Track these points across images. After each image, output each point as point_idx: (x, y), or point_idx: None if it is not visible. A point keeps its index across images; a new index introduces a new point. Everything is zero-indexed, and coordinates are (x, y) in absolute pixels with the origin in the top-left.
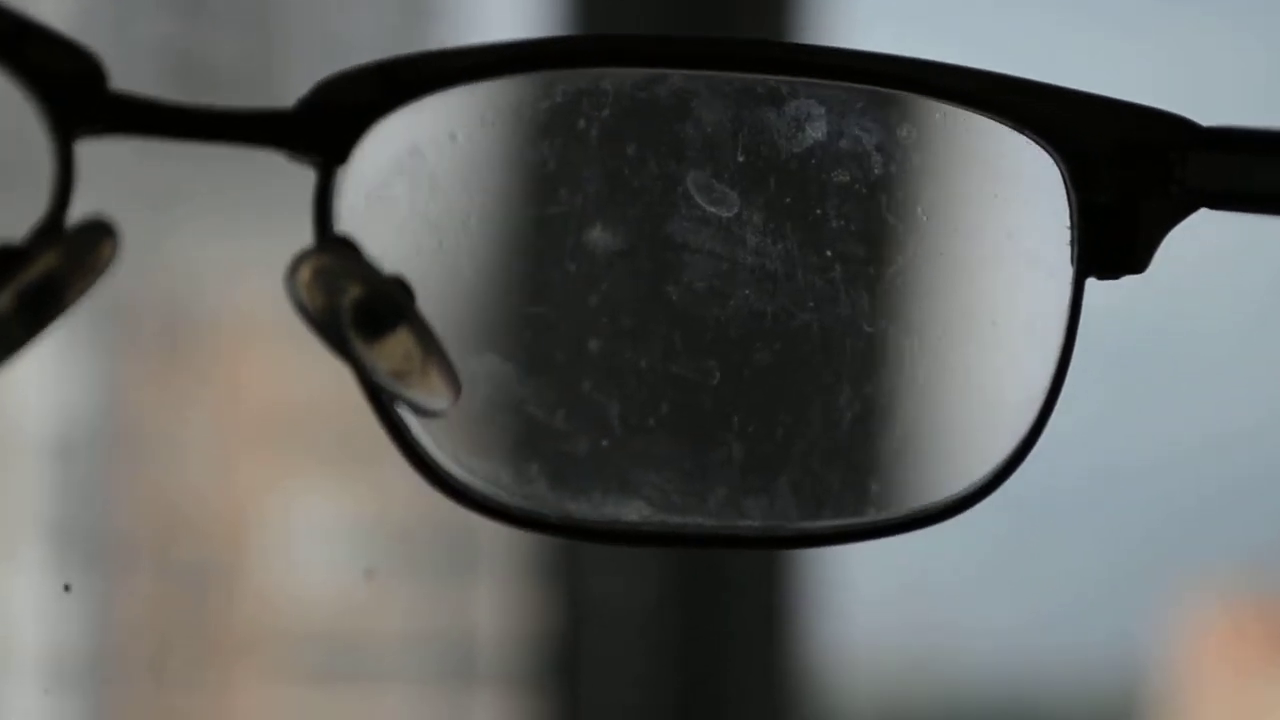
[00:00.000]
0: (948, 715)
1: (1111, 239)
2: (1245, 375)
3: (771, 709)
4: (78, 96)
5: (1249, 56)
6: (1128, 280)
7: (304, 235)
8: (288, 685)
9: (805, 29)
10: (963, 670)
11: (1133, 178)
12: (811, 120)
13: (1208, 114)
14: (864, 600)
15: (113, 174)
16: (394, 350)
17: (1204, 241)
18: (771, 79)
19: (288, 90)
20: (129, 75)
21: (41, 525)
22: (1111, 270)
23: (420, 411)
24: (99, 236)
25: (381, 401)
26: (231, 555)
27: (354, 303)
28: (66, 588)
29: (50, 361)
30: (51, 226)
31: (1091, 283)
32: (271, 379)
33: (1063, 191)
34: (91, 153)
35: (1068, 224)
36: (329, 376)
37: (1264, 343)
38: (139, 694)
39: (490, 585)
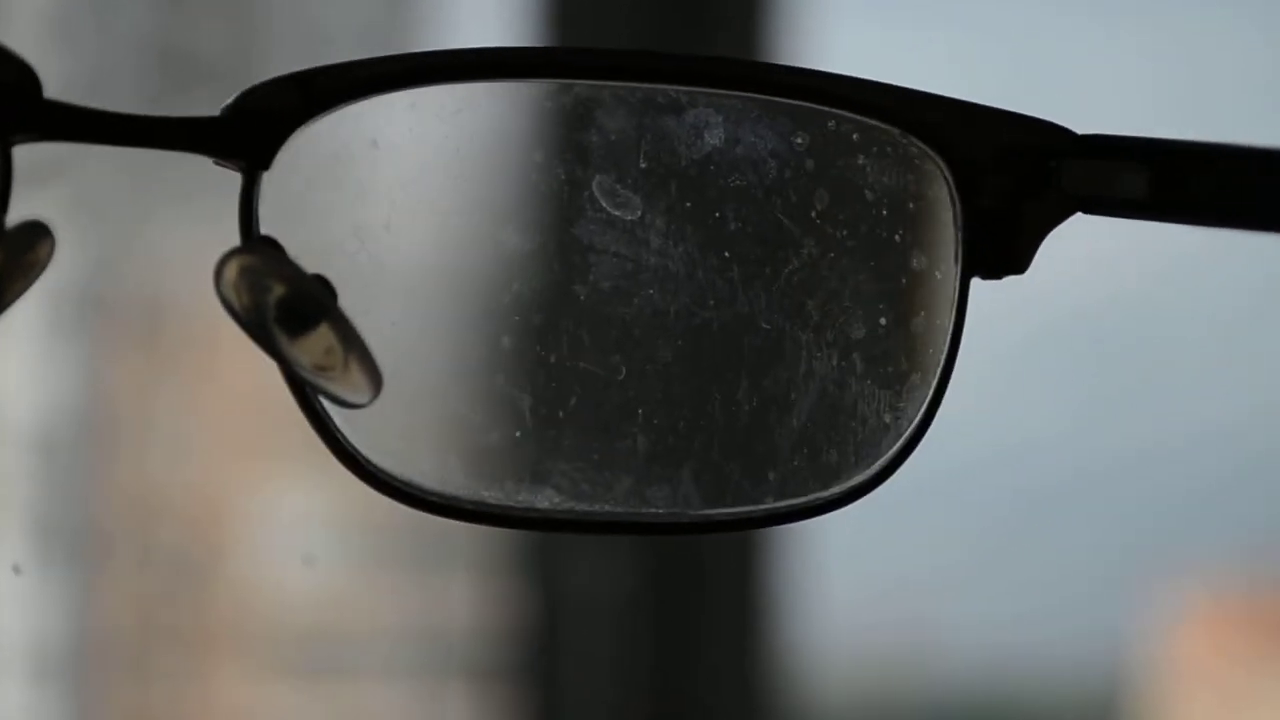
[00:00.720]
0: (929, 710)
1: (994, 241)
2: (1229, 371)
3: (747, 703)
4: (13, 105)
5: (1248, 49)
6: (1115, 277)
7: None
8: (266, 678)
9: (779, 23)
10: (945, 665)
11: (1013, 183)
12: (710, 128)
13: (1207, 106)
14: (845, 594)
15: (91, 166)
16: (317, 346)
17: (1186, 241)
18: (671, 89)
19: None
20: (111, 68)
21: (21, 518)
22: (994, 270)
23: (343, 404)
24: (36, 237)
25: (305, 395)
26: (211, 549)
27: (278, 300)
28: (16, 569)
29: (30, 355)
30: None
31: (1081, 283)
32: (251, 372)
33: (948, 195)
34: (70, 146)
35: (953, 226)
36: None
37: (1249, 339)
38: (119, 686)
39: (467, 579)
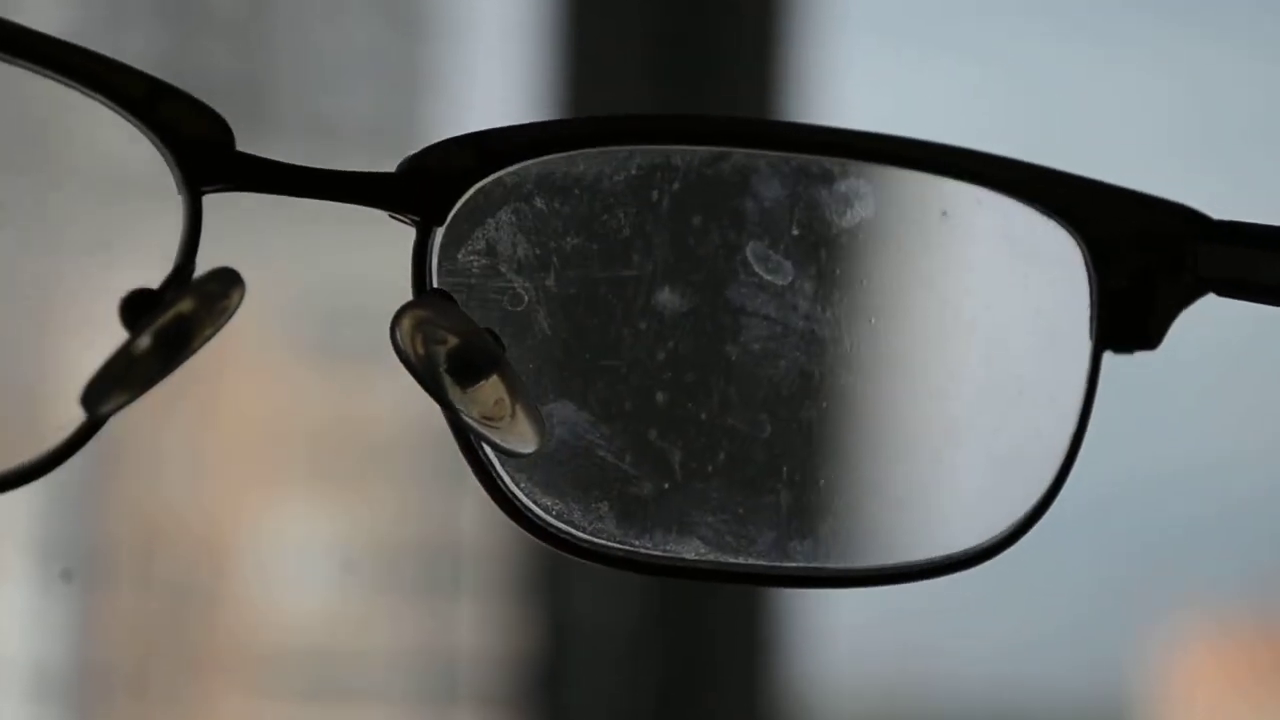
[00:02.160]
0: None
1: (1127, 319)
2: (1237, 400)
3: None
4: (208, 156)
5: (1260, 77)
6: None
7: (290, 254)
8: (269, 701)
9: (798, 46)
10: (949, 693)
11: (1149, 265)
12: (859, 198)
13: (1219, 134)
14: (849, 621)
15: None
16: (486, 397)
17: None
18: (825, 160)
19: (279, 106)
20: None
21: (25, 539)
22: (1126, 346)
23: (507, 454)
24: (228, 285)
25: (469, 442)
26: (215, 571)
27: (450, 352)
28: (65, 576)
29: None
30: (183, 274)
31: None
32: (257, 397)
33: (1084, 274)
34: None
35: (1088, 303)
36: (313, 395)
37: (1255, 369)
38: (121, 708)
39: (472, 604)
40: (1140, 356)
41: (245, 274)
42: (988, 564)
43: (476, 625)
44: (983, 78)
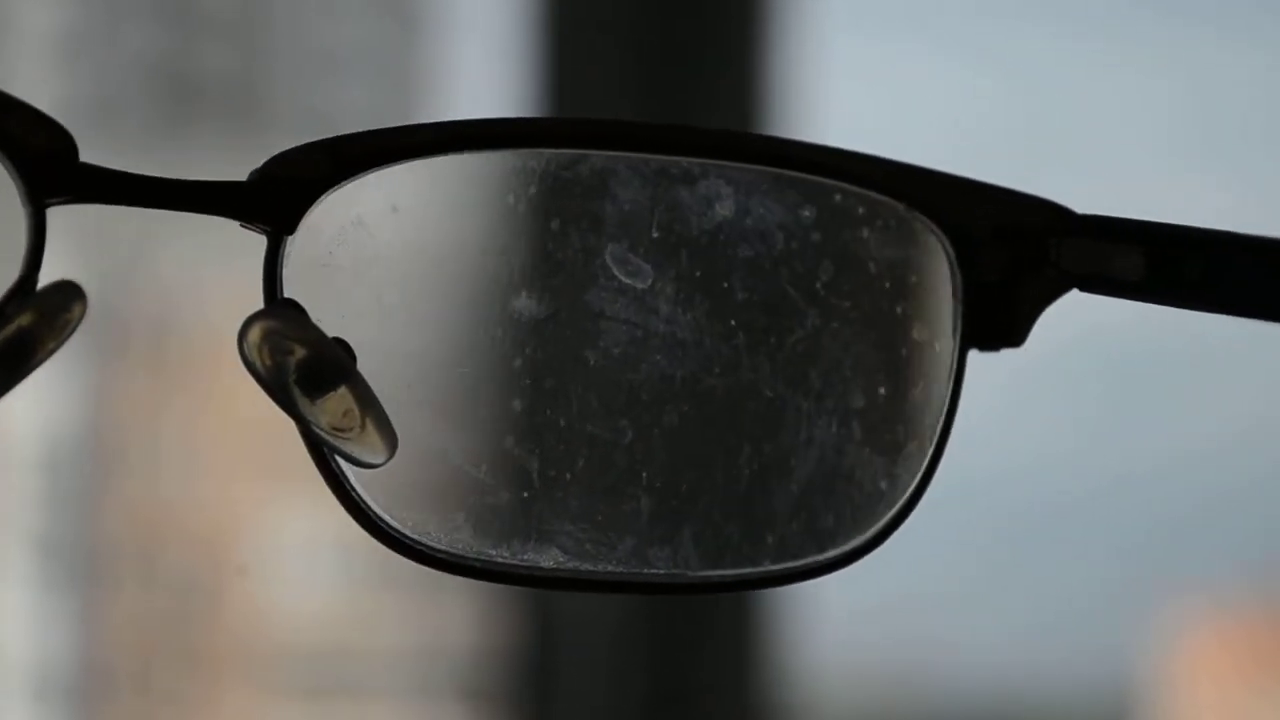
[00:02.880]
0: None
1: (992, 315)
2: (1233, 389)
3: None
4: (51, 168)
5: (1260, 75)
6: (1124, 302)
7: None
8: (269, 698)
9: (785, 44)
10: (950, 684)
11: (1013, 260)
12: (720, 199)
13: (1218, 132)
14: (848, 613)
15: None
16: (335, 408)
17: None
18: (685, 160)
19: (275, 103)
20: (119, 88)
21: (27, 539)
22: (991, 343)
23: (358, 464)
24: (70, 298)
25: (322, 454)
26: (216, 570)
27: (299, 363)
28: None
29: (35, 376)
30: (24, 287)
31: (1084, 303)
32: (256, 395)
33: (949, 270)
34: None
35: (953, 300)
36: None
37: (1254, 356)
38: (123, 706)
39: (466, 601)
40: (1142, 348)
41: (255, 263)
42: (984, 554)
43: (467, 622)
44: (977, 75)
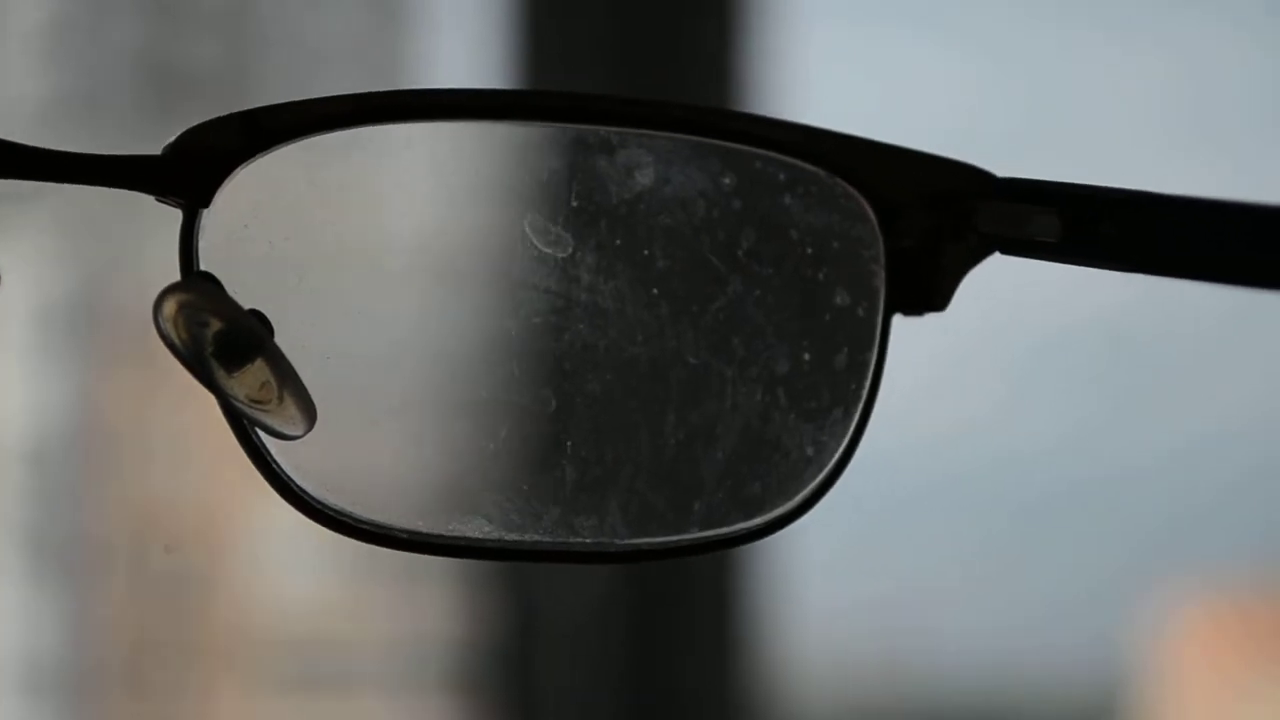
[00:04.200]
0: None
1: (915, 280)
2: (1227, 380)
3: (726, 713)
4: None
5: (1250, 60)
6: (1112, 288)
7: None
8: (256, 691)
9: (765, 31)
10: (940, 675)
11: (935, 223)
12: (640, 167)
13: (1209, 118)
14: (837, 605)
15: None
16: (253, 380)
17: None
18: (603, 129)
19: (263, 95)
20: (104, 81)
21: (16, 534)
22: (915, 308)
23: (278, 436)
24: None
25: (242, 427)
26: (206, 562)
27: (215, 335)
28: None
29: (22, 369)
30: None
31: (1077, 294)
32: None
33: (873, 235)
34: None
35: (876, 265)
36: None
37: (1246, 347)
38: (113, 701)
39: (449, 593)
40: (1138, 337)
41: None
42: (978, 544)
43: (450, 614)
44: (963, 59)
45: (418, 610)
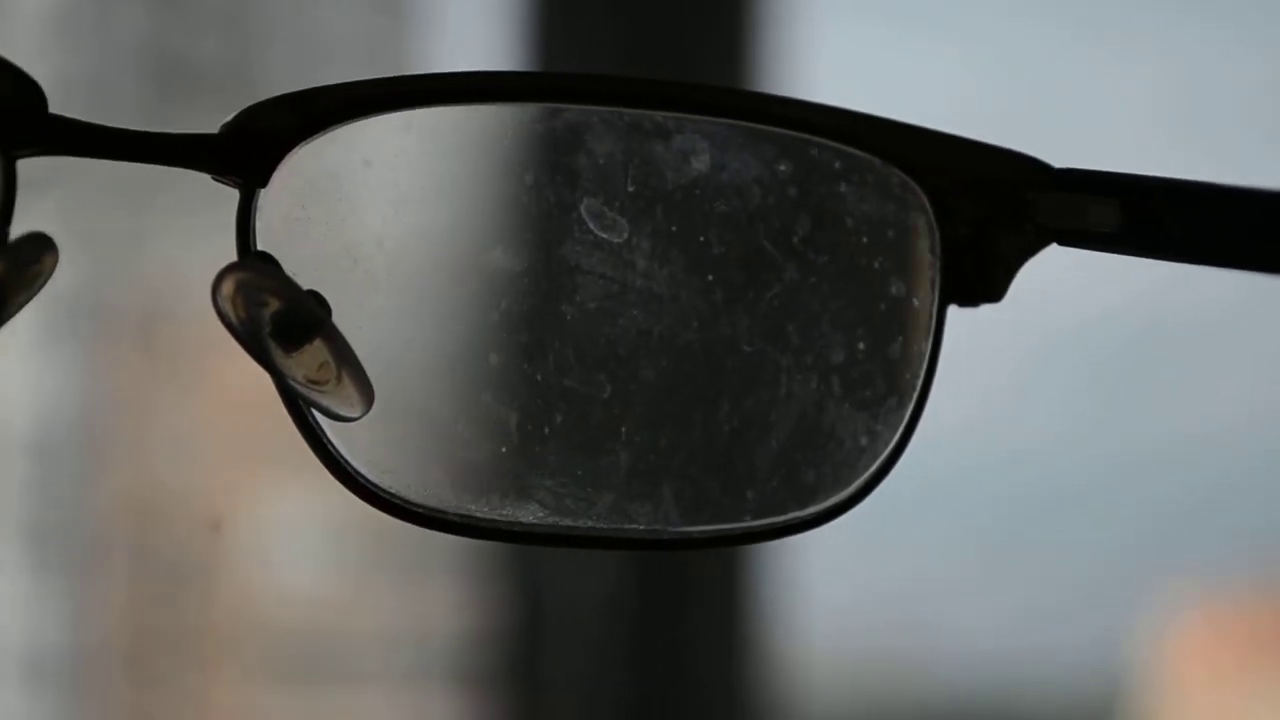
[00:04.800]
0: (925, 715)
1: (970, 270)
2: (1231, 376)
3: (734, 708)
4: (18, 119)
5: (1244, 62)
6: (1114, 285)
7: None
8: (262, 683)
9: (773, 26)
10: (940, 671)
11: (991, 214)
12: (696, 153)
13: (1203, 120)
14: (842, 599)
15: (89, 174)
16: (310, 360)
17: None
18: (660, 114)
19: (267, 87)
20: (111, 72)
21: (18, 524)
22: (970, 299)
23: (335, 417)
24: (40, 249)
25: (298, 407)
26: (206, 554)
27: (273, 315)
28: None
29: (26, 361)
30: None
31: (1080, 291)
32: (246, 379)
33: (928, 225)
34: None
35: (931, 255)
36: None
37: (1245, 348)
38: (114, 690)
39: (456, 584)
40: (1141, 334)
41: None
42: (980, 541)
43: (455, 605)
44: (961, 56)
45: (422, 603)
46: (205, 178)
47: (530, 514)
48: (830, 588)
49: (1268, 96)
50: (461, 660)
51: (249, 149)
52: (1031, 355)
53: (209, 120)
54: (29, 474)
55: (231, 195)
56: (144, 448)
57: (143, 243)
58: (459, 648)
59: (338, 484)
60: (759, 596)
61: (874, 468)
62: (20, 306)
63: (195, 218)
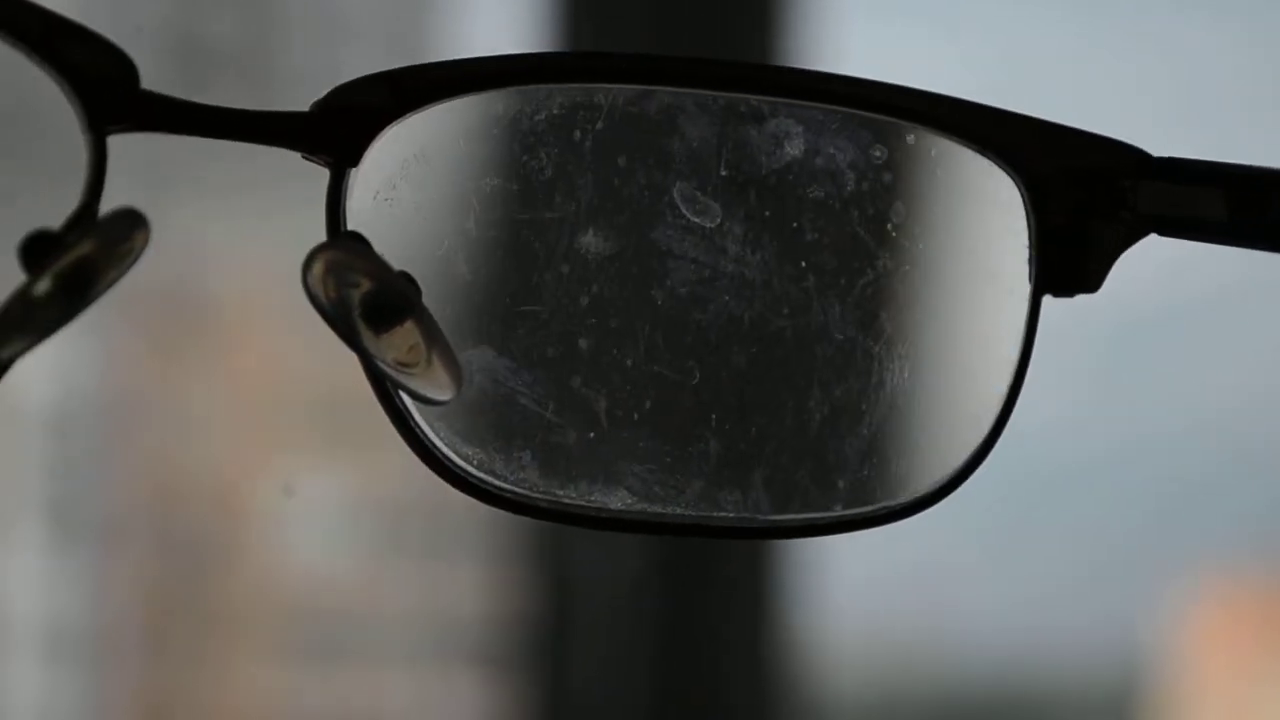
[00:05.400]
0: (942, 697)
1: (1066, 260)
2: (1244, 358)
3: (758, 690)
4: (111, 95)
5: (1238, 52)
6: (1131, 267)
7: (305, 216)
8: (278, 661)
9: (794, 28)
10: (957, 656)
11: (1087, 203)
12: (790, 138)
13: (1196, 108)
14: (859, 585)
15: (116, 153)
16: (401, 342)
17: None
18: (753, 98)
19: (285, 70)
20: (131, 54)
21: (39, 502)
22: (1066, 289)
23: (424, 401)
24: (132, 226)
25: (386, 390)
26: (227, 532)
27: (364, 296)
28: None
29: (47, 340)
30: (85, 215)
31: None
32: (270, 357)
33: (1022, 213)
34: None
35: (1026, 244)
36: (326, 357)
37: (1259, 329)
38: (133, 669)
39: (479, 565)
40: (1155, 313)
41: (263, 227)
42: (995, 523)
43: (479, 586)
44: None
45: (444, 584)
46: (229, 160)
47: (618, 500)
48: (849, 568)
49: (1259, 84)
50: (485, 642)
51: (341, 127)
52: (1052, 335)
53: (226, 98)
54: (50, 451)
55: (254, 178)
56: (165, 425)
57: (166, 220)
58: (482, 629)
59: (359, 463)
60: (784, 581)
61: (965, 458)
62: (111, 284)
63: (218, 198)
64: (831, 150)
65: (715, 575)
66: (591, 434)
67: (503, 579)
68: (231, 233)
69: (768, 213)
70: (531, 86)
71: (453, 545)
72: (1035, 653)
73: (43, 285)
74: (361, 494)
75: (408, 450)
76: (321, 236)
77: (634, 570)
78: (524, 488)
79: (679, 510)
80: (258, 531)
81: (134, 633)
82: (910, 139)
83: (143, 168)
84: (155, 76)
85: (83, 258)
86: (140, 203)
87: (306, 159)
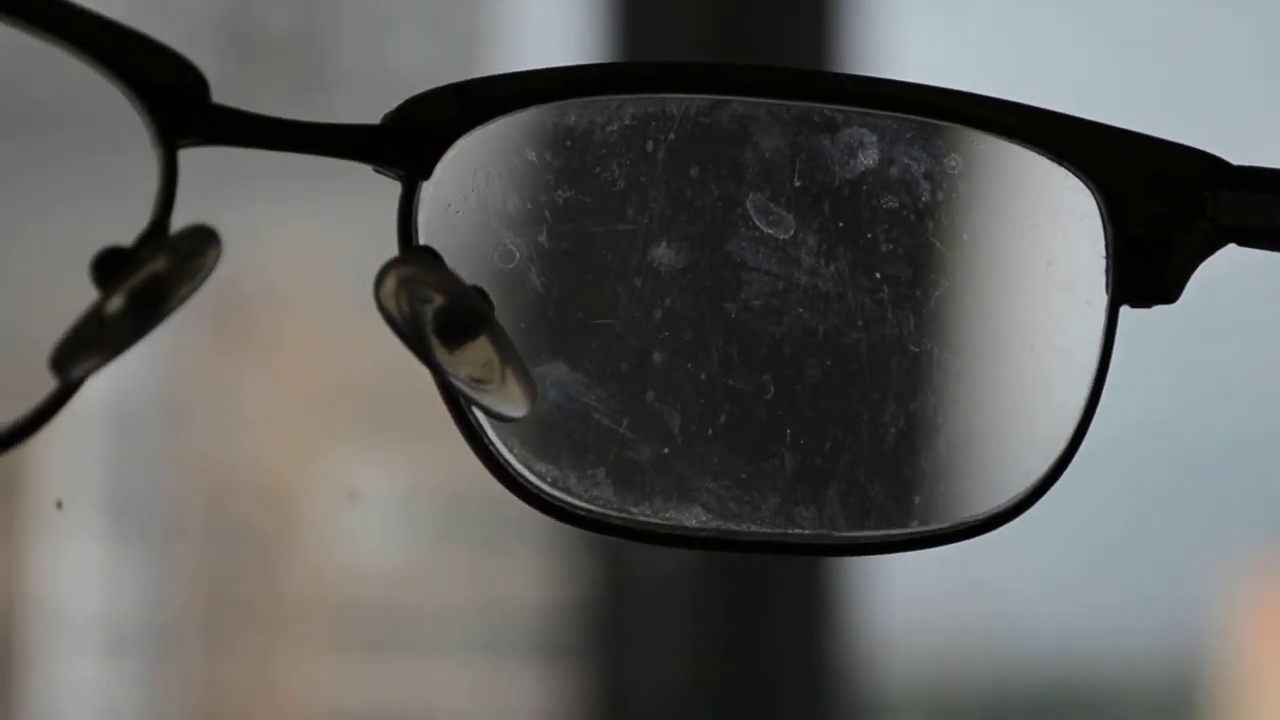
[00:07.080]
0: (997, 688)
1: (1144, 270)
2: None
3: (815, 677)
4: (182, 108)
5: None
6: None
7: (361, 214)
8: (335, 653)
9: (847, 22)
10: (1012, 647)
11: (1166, 212)
12: (863, 148)
13: (1198, 107)
14: (915, 570)
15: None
16: (474, 358)
17: None
18: (826, 108)
19: (335, 64)
20: (181, 47)
21: (96, 495)
22: (1144, 299)
23: (497, 417)
24: (204, 242)
25: (459, 406)
26: (283, 525)
27: (437, 312)
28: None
29: None
30: (157, 231)
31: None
32: (324, 352)
33: (1099, 223)
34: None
35: (1103, 254)
36: (380, 351)
37: None
38: (191, 661)
39: (535, 556)
40: (1224, 308)
41: (318, 225)
42: (1059, 521)
43: (537, 576)
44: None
45: (500, 575)
46: (278, 158)
47: (693, 517)
48: (904, 563)
49: (1256, 82)
50: (540, 632)
51: (412, 140)
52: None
53: (278, 96)
54: (109, 446)
55: (308, 177)
56: (223, 421)
57: (222, 218)
58: (539, 620)
59: (415, 456)
60: (841, 571)
61: (1043, 472)
62: (183, 301)
63: (274, 198)
64: (906, 160)
65: (772, 566)
66: (666, 450)
67: (559, 569)
68: (291, 225)
69: (841, 224)
70: (603, 97)
71: (509, 536)
72: (1091, 643)
73: (115, 303)
74: (418, 486)
75: (463, 442)
76: (378, 225)
77: (691, 560)
78: (598, 505)
79: (754, 527)
80: (315, 525)
81: (193, 627)
82: (984, 148)
83: (200, 164)
84: (208, 67)
85: (155, 274)
86: (197, 198)
87: (378, 172)
